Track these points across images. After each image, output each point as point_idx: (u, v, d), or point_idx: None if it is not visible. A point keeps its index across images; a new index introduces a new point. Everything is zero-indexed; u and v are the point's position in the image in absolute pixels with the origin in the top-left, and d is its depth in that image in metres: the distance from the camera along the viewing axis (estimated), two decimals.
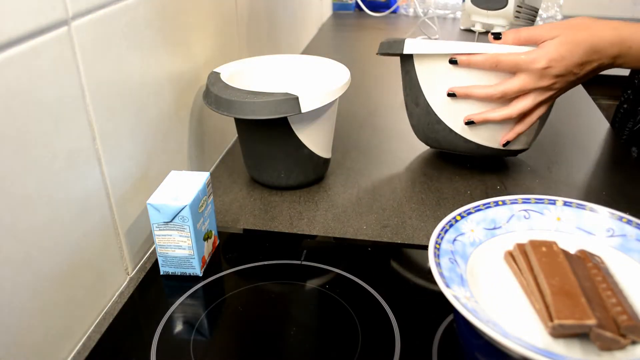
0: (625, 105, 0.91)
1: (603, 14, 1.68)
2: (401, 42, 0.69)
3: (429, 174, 0.77)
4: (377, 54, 0.74)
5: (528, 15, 0.77)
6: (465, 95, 0.66)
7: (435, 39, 0.86)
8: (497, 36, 0.64)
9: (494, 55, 0.63)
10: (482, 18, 0.74)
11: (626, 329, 0.44)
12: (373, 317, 0.51)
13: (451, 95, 0.67)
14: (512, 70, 0.63)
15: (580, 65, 0.61)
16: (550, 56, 0.61)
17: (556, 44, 0.61)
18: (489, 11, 0.73)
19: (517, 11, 0.71)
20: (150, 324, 0.51)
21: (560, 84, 0.63)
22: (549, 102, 0.65)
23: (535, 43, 0.63)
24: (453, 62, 0.65)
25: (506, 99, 0.65)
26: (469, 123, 0.68)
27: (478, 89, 0.65)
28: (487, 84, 0.65)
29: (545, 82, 0.62)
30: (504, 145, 0.69)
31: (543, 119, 0.72)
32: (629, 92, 0.93)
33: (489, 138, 0.70)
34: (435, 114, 0.71)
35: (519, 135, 0.68)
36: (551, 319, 0.45)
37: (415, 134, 0.78)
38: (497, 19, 0.73)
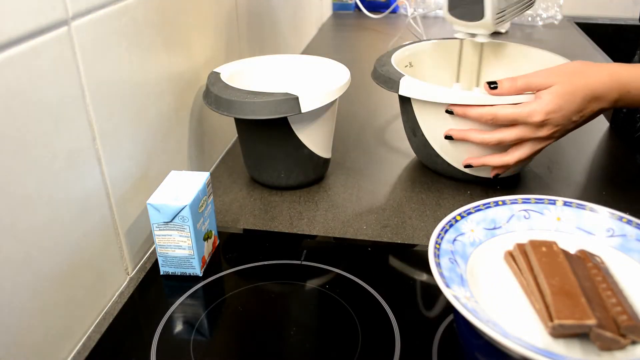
0: (624, 110, 0.91)
1: (603, 14, 1.68)
2: (396, 83, 0.67)
3: (429, 174, 0.77)
4: (372, 78, 0.73)
5: (516, 10, 0.75)
6: (462, 139, 0.66)
7: (426, 40, 0.85)
8: (493, 86, 0.62)
9: (491, 109, 0.62)
10: (462, 28, 0.72)
11: (626, 329, 0.44)
12: (373, 317, 0.51)
13: (448, 137, 0.67)
14: (510, 123, 0.63)
15: (579, 113, 0.61)
16: (547, 108, 0.60)
17: (553, 94, 0.60)
18: (469, 22, 0.71)
19: (497, 17, 0.69)
20: (150, 324, 0.51)
21: (560, 132, 0.63)
22: (546, 146, 0.65)
23: (531, 91, 0.62)
24: (449, 112, 0.65)
25: (502, 145, 0.65)
26: (468, 167, 0.69)
27: (475, 134, 0.65)
28: (484, 129, 0.65)
29: (543, 133, 0.62)
30: (495, 177, 0.69)
31: None
32: None
33: (487, 172, 0.70)
34: (434, 149, 0.71)
35: (510, 168, 0.69)
36: (551, 319, 0.45)
37: (415, 153, 0.79)
38: (478, 29, 0.71)
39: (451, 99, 0.64)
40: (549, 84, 0.61)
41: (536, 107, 0.60)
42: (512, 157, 0.65)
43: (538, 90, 0.61)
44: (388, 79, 0.69)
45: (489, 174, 0.70)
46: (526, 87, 0.62)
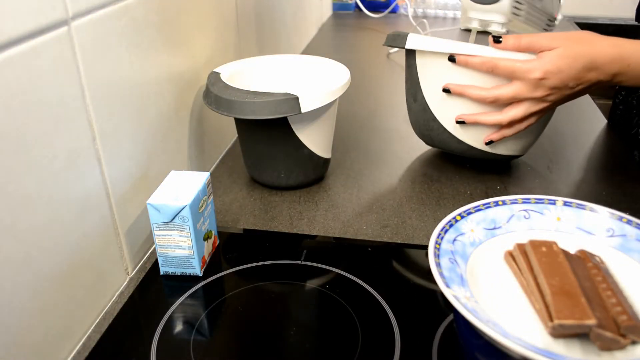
0: (621, 107, 0.91)
1: (603, 14, 1.68)
2: (404, 37, 0.69)
3: (429, 174, 0.77)
4: (383, 44, 0.74)
5: (535, 18, 0.75)
6: (460, 93, 0.67)
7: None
8: (497, 39, 0.63)
9: (491, 59, 0.63)
10: (479, 14, 0.72)
11: (626, 329, 0.44)
12: (373, 317, 0.51)
13: (446, 91, 0.68)
14: (508, 77, 0.63)
15: (577, 80, 0.61)
16: (547, 67, 0.60)
17: (555, 56, 0.61)
18: (485, 6, 0.71)
19: (515, 7, 0.70)
20: (150, 324, 0.51)
21: (555, 97, 0.63)
22: (542, 113, 0.66)
23: (534, 51, 0.62)
24: (452, 59, 0.66)
25: (498, 104, 0.65)
26: (461, 122, 0.69)
27: (472, 90, 0.66)
28: (483, 86, 0.65)
29: (539, 93, 0.62)
30: (487, 144, 0.69)
31: (540, 128, 0.72)
32: (623, 92, 0.93)
33: (480, 141, 0.71)
34: (431, 112, 0.72)
35: (504, 137, 0.68)
36: (551, 319, 0.45)
37: (413, 129, 0.79)
38: (494, 15, 0.71)
39: (455, 48, 0.65)
40: (553, 47, 0.61)
41: (536, 65, 0.61)
42: (505, 115, 0.65)
43: (541, 51, 0.62)
44: (397, 36, 0.71)
45: (483, 146, 0.70)
46: (530, 47, 0.62)
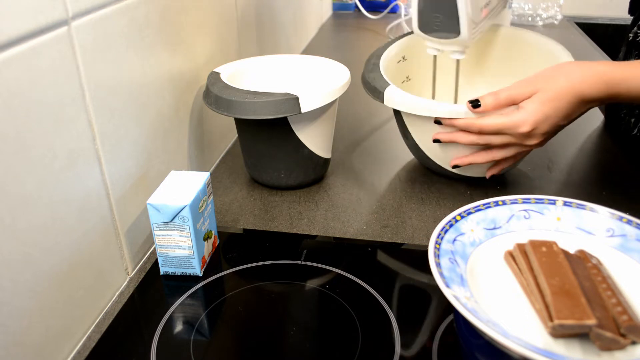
0: (613, 106, 0.91)
1: (603, 14, 1.68)
2: (381, 92, 0.65)
3: (429, 174, 0.77)
4: (361, 82, 0.71)
5: (489, 18, 0.69)
6: (450, 140, 0.65)
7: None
8: (476, 104, 0.60)
9: (476, 121, 0.61)
10: (435, 44, 0.67)
11: (627, 329, 0.44)
12: (373, 317, 0.51)
13: (436, 141, 0.66)
14: (497, 134, 0.61)
15: (567, 117, 0.59)
16: (534, 118, 0.58)
17: (538, 103, 0.58)
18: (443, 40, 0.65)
19: (474, 33, 0.63)
20: (150, 324, 0.51)
21: (548, 137, 0.62)
22: (536, 148, 0.64)
23: (516, 104, 0.60)
24: (437, 122, 0.64)
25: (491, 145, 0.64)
26: (456, 167, 0.68)
27: (463, 136, 0.63)
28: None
29: (532, 142, 0.61)
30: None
31: None
32: None
33: (479, 172, 0.71)
34: (424, 152, 0.71)
35: (504, 169, 0.68)
36: (551, 319, 0.45)
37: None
38: (452, 46, 0.65)
39: (436, 113, 0.63)
40: (532, 92, 0.59)
41: (522, 117, 0.59)
42: (497, 153, 0.64)
43: (521, 101, 0.60)
44: (374, 89, 0.67)
45: (480, 173, 0.70)
46: (510, 100, 0.60)
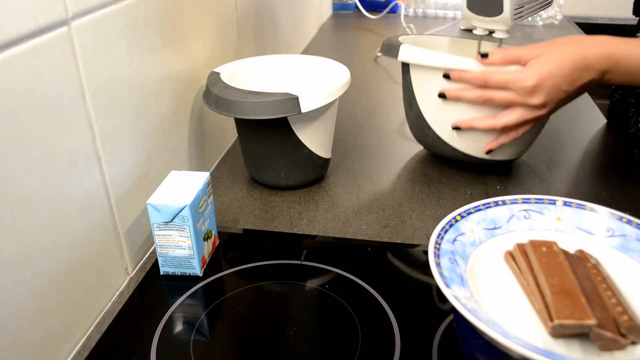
0: (619, 106, 0.91)
1: (603, 14, 1.68)
2: (396, 48, 0.70)
3: (429, 174, 0.77)
4: (378, 52, 0.75)
5: (534, 7, 0.75)
6: (455, 97, 0.67)
7: (430, 34, 0.85)
8: (485, 55, 0.64)
9: (483, 72, 0.64)
10: (480, 23, 0.73)
11: (627, 329, 0.44)
12: (373, 317, 0.51)
13: (442, 96, 0.68)
14: (502, 88, 0.63)
15: (570, 81, 0.61)
16: (538, 73, 0.60)
17: (545, 61, 0.61)
18: (486, 17, 0.72)
19: (516, 14, 0.70)
20: (150, 324, 0.51)
21: (551, 103, 0.63)
22: (537, 121, 0.65)
23: (522, 63, 0.63)
24: (446, 76, 0.67)
25: (493, 105, 0.65)
26: (456, 128, 0.69)
27: (468, 92, 0.66)
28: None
29: (535, 101, 0.62)
30: (487, 152, 0.70)
31: (535, 133, 0.73)
32: (619, 91, 0.93)
33: (475, 148, 0.71)
34: (426, 120, 0.73)
35: (502, 145, 0.69)
36: (551, 319, 0.45)
37: (412, 134, 0.80)
38: (496, 24, 0.71)
39: (446, 63, 0.66)
40: (539, 54, 0.62)
41: (528, 73, 0.61)
42: (499, 120, 0.65)
43: (528, 62, 0.62)
44: (390, 46, 0.72)
45: (477, 152, 0.71)
46: (517, 58, 0.63)
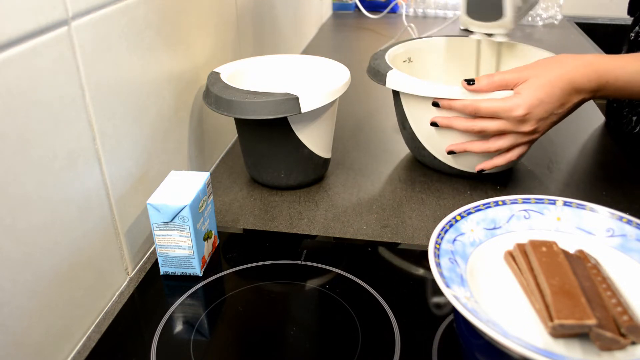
0: (614, 105, 0.91)
1: (603, 14, 1.68)
2: (384, 75, 0.69)
3: (429, 174, 0.77)
4: (366, 71, 0.75)
5: (529, 7, 0.75)
6: (447, 126, 0.67)
7: (425, 37, 0.85)
8: (470, 82, 0.63)
9: (473, 101, 0.63)
10: (479, 29, 0.73)
11: (628, 330, 0.44)
12: (373, 317, 0.51)
13: (434, 124, 0.68)
14: (493, 117, 0.63)
15: (560, 105, 0.61)
16: (528, 102, 0.60)
17: (532, 87, 0.60)
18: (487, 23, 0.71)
19: (516, 16, 0.69)
20: (150, 324, 0.51)
21: (543, 127, 0.63)
22: (531, 143, 0.65)
23: (509, 88, 0.62)
24: (435, 104, 0.66)
25: (485, 134, 0.65)
26: (451, 152, 0.69)
27: (459, 121, 0.65)
28: (468, 118, 0.65)
29: (526, 128, 0.62)
30: (479, 172, 0.69)
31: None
32: None
33: (472, 166, 0.71)
34: (420, 142, 0.73)
35: (495, 167, 0.68)
36: (551, 319, 0.45)
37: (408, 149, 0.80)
38: (497, 29, 0.71)
39: (434, 92, 0.65)
40: (526, 78, 0.61)
41: (517, 102, 0.60)
42: (493, 144, 0.65)
43: (515, 86, 0.62)
44: (377, 72, 0.71)
45: (473, 169, 0.71)
46: (503, 84, 0.62)
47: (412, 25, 1.39)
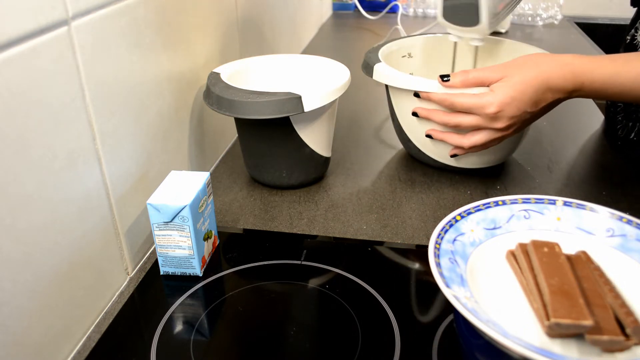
0: (611, 109, 0.91)
1: (603, 14, 1.68)
2: (372, 67, 0.72)
3: (429, 174, 0.77)
4: (361, 67, 0.76)
5: (509, 9, 0.75)
6: (426, 117, 0.68)
7: (421, 34, 0.87)
8: (445, 78, 0.64)
9: (449, 96, 0.64)
10: (456, 32, 0.73)
11: (633, 331, 0.44)
12: (373, 317, 0.51)
13: (414, 114, 0.70)
14: (467, 112, 0.64)
15: (534, 103, 0.61)
16: (500, 100, 0.61)
17: (506, 86, 0.61)
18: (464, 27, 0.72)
19: (492, 22, 0.69)
20: (150, 324, 0.51)
21: (516, 124, 0.63)
22: (504, 138, 0.66)
23: (484, 85, 0.63)
24: (417, 95, 0.68)
25: (461, 129, 0.66)
26: (428, 136, 0.71)
27: (437, 114, 0.67)
28: (447, 112, 0.67)
29: (498, 125, 0.63)
30: (452, 156, 0.71)
31: (519, 138, 0.73)
32: None
33: (453, 160, 0.73)
34: (406, 133, 0.75)
35: (467, 153, 0.70)
36: (548, 318, 0.45)
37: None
38: (472, 34, 0.71)
39: (414, 86, 0.68)
40: (501, 77, 0.62)
41: (489, 99, 0.61)
42: (467, 140, 0.66)
43: (490, 84, 0.62)
44: (367, 65, 0.74)
45: (456, 163, 0.73)
46: (478, 81, 0.63)
47: (399, 26, 1.42)
